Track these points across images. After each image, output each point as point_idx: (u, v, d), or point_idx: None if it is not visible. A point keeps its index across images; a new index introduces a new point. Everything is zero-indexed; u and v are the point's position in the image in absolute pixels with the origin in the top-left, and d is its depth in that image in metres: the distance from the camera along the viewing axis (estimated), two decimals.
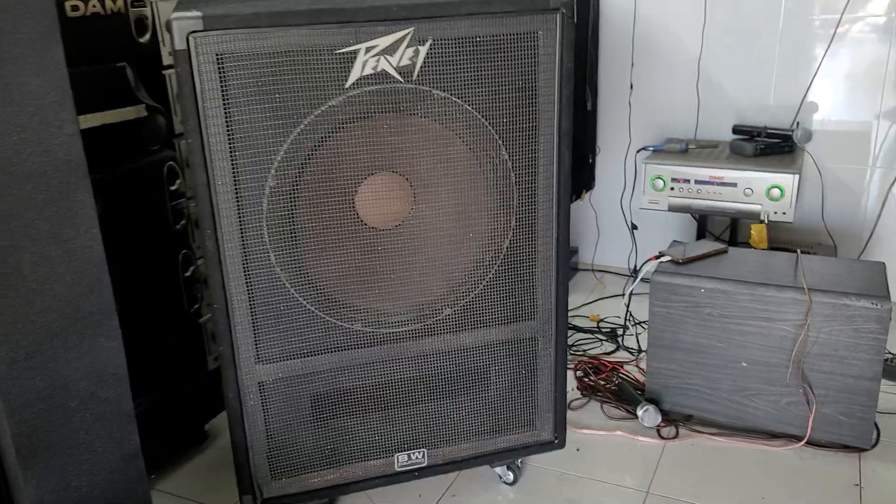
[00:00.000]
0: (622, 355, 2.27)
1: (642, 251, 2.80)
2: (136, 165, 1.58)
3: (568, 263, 1.50)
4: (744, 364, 1.80)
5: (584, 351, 2.30)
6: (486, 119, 1.37)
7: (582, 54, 2.47)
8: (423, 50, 1.29)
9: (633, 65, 2.71)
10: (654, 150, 2.47)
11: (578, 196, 2.63)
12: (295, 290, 1.37)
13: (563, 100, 1.39)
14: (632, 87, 2.73)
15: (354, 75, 1.27)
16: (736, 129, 2.46)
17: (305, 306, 1.39)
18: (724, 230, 2.64)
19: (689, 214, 2.59)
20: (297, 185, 1.32)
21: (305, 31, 1.22)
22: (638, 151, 2.61)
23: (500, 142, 1.39)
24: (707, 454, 1.80)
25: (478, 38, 1.31)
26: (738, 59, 2.55)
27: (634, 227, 2.62)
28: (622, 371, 2.13)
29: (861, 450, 1.76)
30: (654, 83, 2.69)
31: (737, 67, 2.55)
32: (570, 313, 2.56)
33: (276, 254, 1.34)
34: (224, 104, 1.23)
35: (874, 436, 1.79)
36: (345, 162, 1.33)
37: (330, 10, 1.22)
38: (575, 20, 1.35)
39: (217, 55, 1.20)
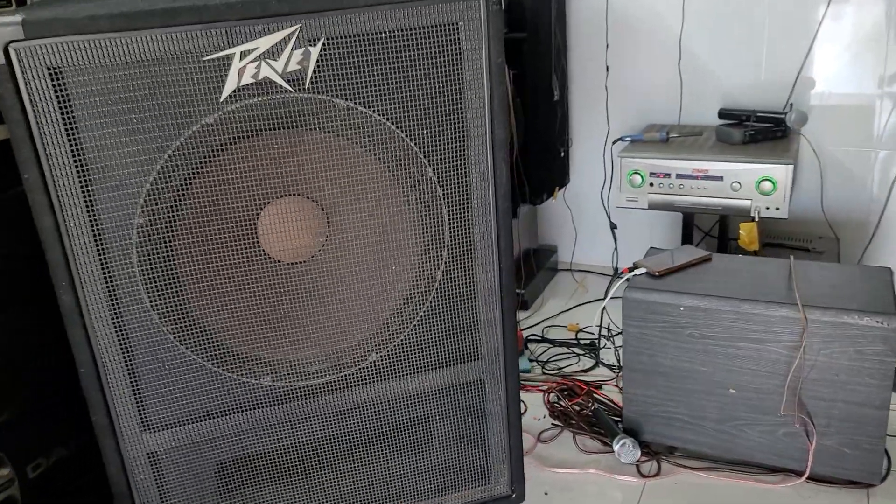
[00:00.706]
0: (601, 373, 2.04)
1: (624, 251, 2.56)
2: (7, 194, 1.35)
3: (514, 291, 1.27)
4: (732, 391, 1.56)
5: (560, 369, 2.07)
6: (402, 131, 1.13)
7: (545, 38, 2.22)
8: (315, 51, 1.05)
9: (608, 45, 2.45)
10: (631, 141, 2.22)
11: (551, 194, 2.38)
12: (183, 343, 1.14)
13: (495, 103, 1.15)
14: (608, 70, 2.48)
15: (230, 86, 1.04)
16: (723, 114, 2.21)
17: (198, 361, 1.16)
18: (713, 225, 2.40)
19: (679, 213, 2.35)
20: (173, 218, 1.09)
21: (161, 34, 0.98)
22: (614, 142, 2.36)
23: (423, 157, 1.15)
24: (694, 493, 1.58)
25: (383, 34, 1.07)
26: (723, 35, 2.29)
27: (614, 226, 2.38)
28: (598, 394, 1.90)
29: (869, 485, 1.53)
30: (632, 64, 2.43)
31: (723, 43, 2.30)
32: (546, 322, 2.34)
33: (154, 302, 1.11)
34: (67, 129, 1.00)
35: (884, 469, 1.56)
36: (234, 189, 1.10)
37: (190, 9, 0.98)
38: (503, 6, 1.11)
39: (50, 69, 0.97)
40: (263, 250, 1.15)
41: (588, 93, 2.52)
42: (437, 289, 1.23)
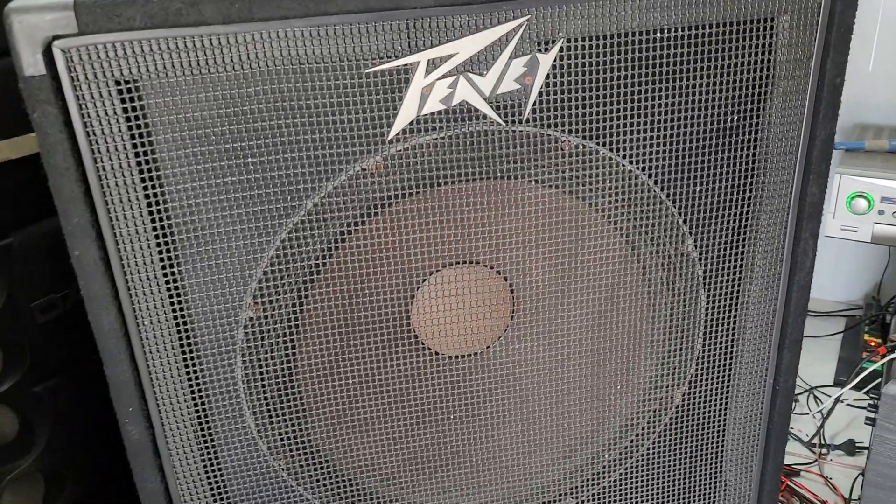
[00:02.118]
0: (793, 450, 1.60)
1: (814, 289, 2.08)
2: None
3: (787, 428, 0.85)
4: None
5: None
6: (658, 184, 0.70)
7: None
8: (546, 60, 0.62)
9: None
10: (846, 150, 1.73)
11: None
12: (305, 488, 0.77)
13: (818, 147, 0.71)
14: None
15: (406, 115, 0.63)
16: None
17: None
18: None
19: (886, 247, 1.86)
20: (300, 310, 0.70)
21: (300, 29, 0.58)
22: None
23: (684, 224, 0.73)
24: None
25: (659, 36, 0.64)
26: None
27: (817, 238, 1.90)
28: (798, 487, 1.47)
29: None
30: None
31: None
32: None
33: (263, 429, 0.73)
34: (144, 179, 0.61)
35: None
36: (389, 262, 0.70)
37: None
38: None
39: (119, 83, 0.57)
40: (421, 342, 0.76)
41: None
42: (671, 416, 0.82)
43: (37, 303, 0.92)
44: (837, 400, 1.52)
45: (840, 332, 1.96)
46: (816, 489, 1.48)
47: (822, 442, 1.58)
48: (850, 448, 1.56)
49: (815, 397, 1.72)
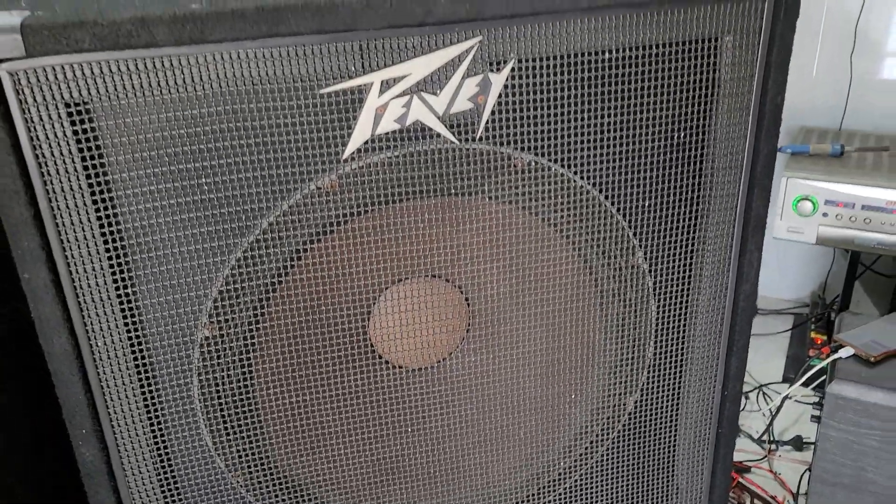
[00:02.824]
0: (744, 446, 1.65)
1: (763, 288, 2.13)
2: None
3: (735, 434, 0.87)
4: None
5: None
6: (609, 199, 0.72)
7: None
8: (499, 80, 0.64)
9: None
10: (792, 153, 1.78)
11: None
12: (256, 497, 0.77)
13: (761, 162, 0.73)
14: None
15: (361, 135, 0.63)
16: None
17: None
18: (876, 259, 1.96)
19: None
20: (256, 329, 0.70)
21: (254, 50, 0.58)
22: None
23: (634, 237, 0.75)
24: None
25: (607, 57, 0.65)
26: None
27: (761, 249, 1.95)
28: (749, 483, 1.51)
29: None
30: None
31: None
32: None
33: (221, 446, 0.73)
34: (95, 201, 0.60)
35: None
36: (346, 278, 0.70)
37: (303, 7, 0.57)
38: (798, 13, 0.68)
39: (70, 105, 0.57)
40: (378, 355, 0.76)
41: None
42: (624, 423, 0.84)
43: None
44: (786, 398, 1.57)
45: (788, 330, 2.02)
46: (766, 485, 1.53)
47: (772, 438, 1.63)
48: (798, 444, 1.61)
49: (765, 394, 1.77)
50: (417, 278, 0.74)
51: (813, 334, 1.90)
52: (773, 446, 1.61)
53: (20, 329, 0.91)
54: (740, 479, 1.51)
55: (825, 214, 1.64)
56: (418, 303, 0.74)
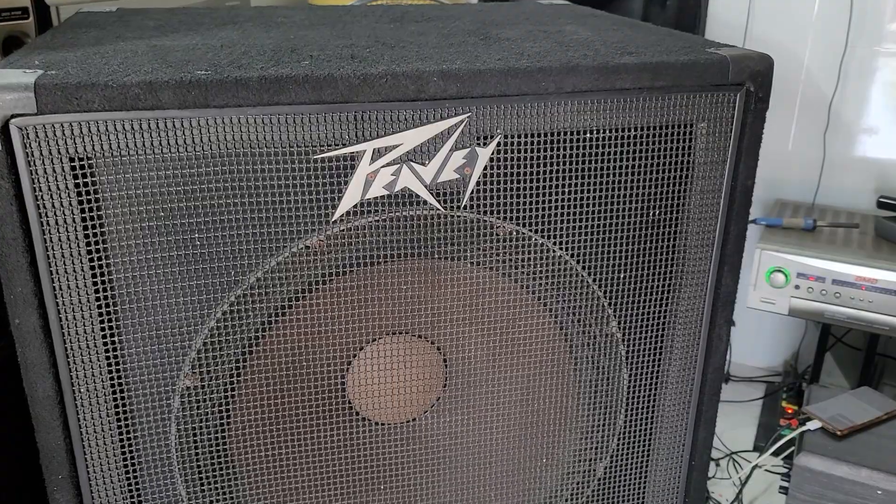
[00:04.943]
0: None
1: (737, 355, 2.18)
2: None
3: (704, 496, 0.89)
4: None
5: None
6: (586, 269, 0.75)
7: None
8: (485, 153, 0.67)
9: None
10: (766, 226, 1.83)
11: None
12: None
13: (731, 241, 0.77)
14: None
15: (350, 198, 0.66)
16: (883, 203, 1.82)
17: None
18: (846, 332, 2.01)
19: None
20: (237, 380, 0.71)
21: (255, 116, 0.61)
22: None
23: (610, 309, 0.77)
24: None
25: (589, 136, 0.69)
26: (887, 107, 1.89)
27: (732, 323, 1.99)
28: None
29: None
30: (766, 127, 2.04)
31: (884, 116, 1.90)
32: None
33: (195, 499, 0.74)
34: (90, 252, 0.62)
35: None
36: (327, 334, 0.72)
37: (303, 80, 0.61)
38: (768, 105, 0.73)
39: (74, 160, 0.59)
40: (360, 415, 0.78)
41: None
42: (593, 489, 0.85)
43: None
44: (755, 467, 1.58)
45: (760, 399, 2.05)
46: None
47: None
48: None
49: (735, 462, 1.79)
50: (397, 336, 0.76)
51: (784, 403, 1.92)
52: None
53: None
54: None
55: (797, 287, 1.69)
56: (397, 361, 0.76)
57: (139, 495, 0.71)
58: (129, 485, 0.70)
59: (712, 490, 1.71)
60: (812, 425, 1.27)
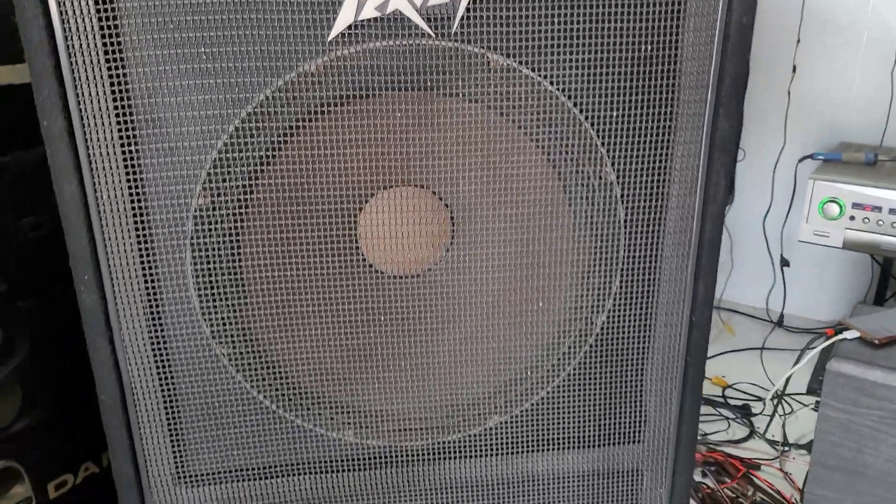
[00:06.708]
0: (756, 446, 1.62)
1: (792, 295, 2.11)
2: None
3: (705, 357, 0.89)
4: None
5: (705, 434, 1.66)
6: (580, 108, 0.77)
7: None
8: None
9: (798, 41, 2.01)
10: (825, 160, 1.78)
11: None
12: (241, 372, 0.83)
13: (726, 84, 0.77)
14: (794, 71, 2.03)
15: (344, 20, 0.70)
16: None
17: (259, 399, 0.85)
18: None
19: (869, 255, 1.90)
20: (246, 203, 0.77)
21: None
22: (801, 160, 1.92)
23: (604, 149, 0.79)
24: None
25: None
26: None
27: (785, 262, 1.94)
28: (757, 478, 1.49)
29: None
30: (827, 67, 1.98)
31: None
32: None
33: (208, 313, 0.80)
34: (108, 61, 0.69)
35: None
36: (333, 169, 0.77)
37: None
38: None
39: None
40: (363, 256, 0.82)
41: (766, 96, 2.08)
42: (595, 337, 0.87)
43: (26, 220, 1.00)
44: (785, 402, 1.55)
45: (815, 348, 1.99)
46: (777, 483, 1.50)
47: (785, 441, 1.61)
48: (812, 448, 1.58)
49: (787, 403, 1.75)
50: (402, 187, 0.80)
51: None
52: (786, 447, 1.59)
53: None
54: (747, 472, 1.49)
55: (852, 217, 1.64)
56: (405, 211, 0.80)
57: (157, 303, 0.78)
58: (149, 290, 0.77)
59: (759, 427, 1.67)
60: (849, 334, 1.23)
